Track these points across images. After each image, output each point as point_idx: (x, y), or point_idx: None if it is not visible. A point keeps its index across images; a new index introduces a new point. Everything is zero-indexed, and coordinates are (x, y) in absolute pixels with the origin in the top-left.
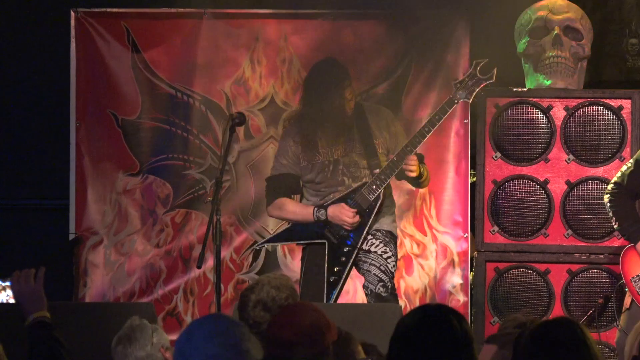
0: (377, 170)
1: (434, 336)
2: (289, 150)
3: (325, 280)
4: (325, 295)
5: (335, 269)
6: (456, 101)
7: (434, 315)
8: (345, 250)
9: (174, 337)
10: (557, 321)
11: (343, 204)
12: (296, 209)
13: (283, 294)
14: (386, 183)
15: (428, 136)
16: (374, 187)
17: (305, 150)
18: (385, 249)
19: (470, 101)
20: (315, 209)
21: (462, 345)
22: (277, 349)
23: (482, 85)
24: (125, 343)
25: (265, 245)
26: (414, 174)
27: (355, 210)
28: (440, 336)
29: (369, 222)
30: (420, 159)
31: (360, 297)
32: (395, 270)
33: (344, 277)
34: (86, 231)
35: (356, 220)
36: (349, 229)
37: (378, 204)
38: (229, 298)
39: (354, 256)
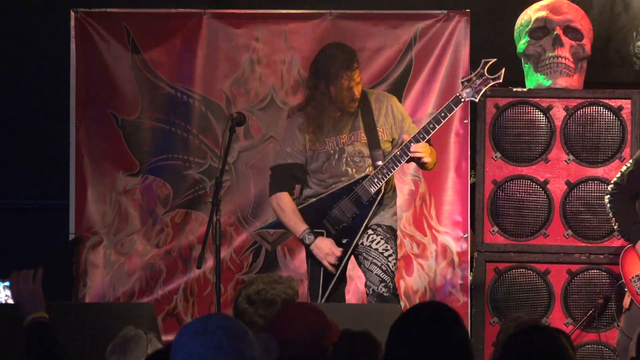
0: (380, 163)
1: (428, 335)
2: (294, 139)
3: (322, 271)
4: (321, 287)
5: None
6: (462, 99)
7: (428, 314)
8: (343, 242)
9: (174, 337)
10: (537, 329)
11: (333, 243)
12: (292, 218)
13: (272, 289)
14: (388, 176)
15: (433, 133)
16: (376, 180)
17: (311, 138)
18: (387, 246)
19: (477, 100)
20: (307, 231)
21: (458, 344)
22: None
23: (489, 85)
24: (120, 353)
25: (265, 245)
26: (426, 159)
27: (340, 252)
28: (435, 335)
29: (369, 215)
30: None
31: (360, 297)
32: (396, 269)
33: (340, 269)
34: (86, 231)
35: (334, 261)
36: (327, 263)
37: (379, 197)
38: (229, 298)
39: (351, 249)
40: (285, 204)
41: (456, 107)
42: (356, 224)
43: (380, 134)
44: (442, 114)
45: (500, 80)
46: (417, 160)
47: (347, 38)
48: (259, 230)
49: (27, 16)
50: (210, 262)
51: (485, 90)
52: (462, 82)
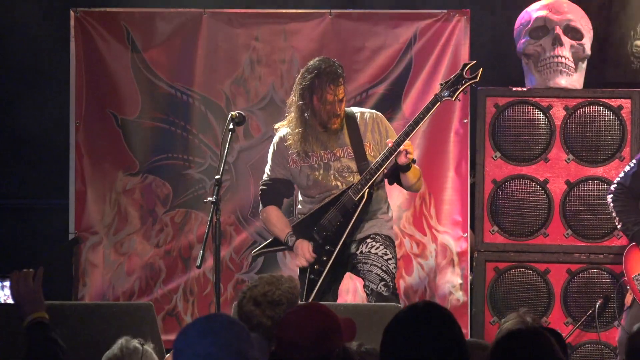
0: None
1: (422, 336)
2: (279, 154)
3: (307, 278)
4: (304, 293)
5: (315, 267)
6: (440, 99)
7: (421, 314)
8: (326, 248)
9: (173, 337)
10: (523, 334)
11: (310, 247)
12: (276, 225)
13: (277, 290)
14: (371, 182)
15: (412, 134)
16: (359, 186)
17: (297, 152)
18: (386, 251)
19: (454, 99)
20: (290, 233)
21: (452, 344)
22: (281, 349)
23: (466, 85)
24: None
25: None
26: (410, 156)
27: (312, 258)
28: (429, 335)
29: (352, 222)
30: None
31: (360, 297)
32: (396, 272)
33: (323, 275)
34: (86, 231)
35: (305, 264)
36: (300, 264)
37: (362, 204)
38: (229, 298)
39: (334, 255)
40: (270, 214)
41: (433, 108)
42: (340, 232)
43: (367, 148)
44: (420, 116)
45: (477, 80)
46: (396, 178)
47: (346, 38)
48: (256, 251)
49: (27, 16)
50: (209, 262)
51: (462, 89)
52: (441, 84)
